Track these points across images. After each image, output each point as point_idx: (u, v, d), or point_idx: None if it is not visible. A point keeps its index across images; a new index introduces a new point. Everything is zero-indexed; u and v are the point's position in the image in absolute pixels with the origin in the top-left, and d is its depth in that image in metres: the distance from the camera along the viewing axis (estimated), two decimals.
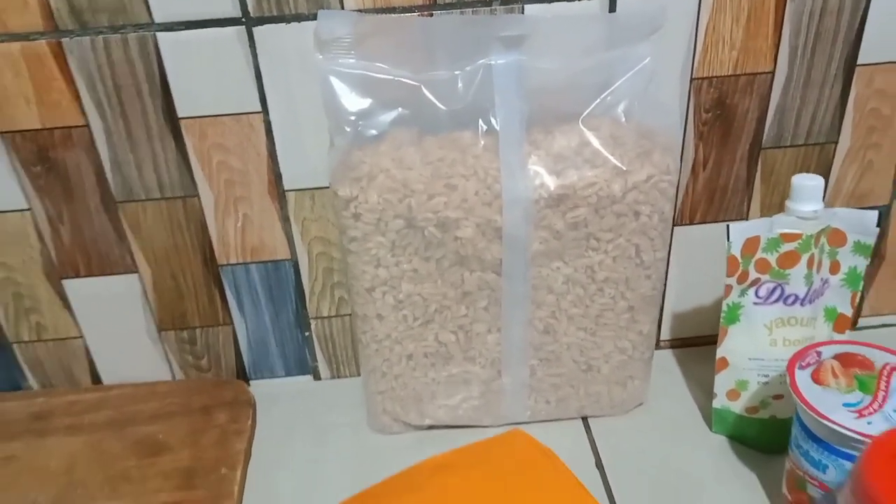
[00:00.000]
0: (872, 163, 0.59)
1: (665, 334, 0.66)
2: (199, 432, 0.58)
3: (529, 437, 0.52)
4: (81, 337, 0.62)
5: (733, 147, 0.57)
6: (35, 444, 0.58)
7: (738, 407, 0.56)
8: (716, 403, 0.57)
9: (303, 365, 0.65)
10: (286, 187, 0.56)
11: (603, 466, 0.56)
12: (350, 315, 0.61)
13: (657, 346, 0.66)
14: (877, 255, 0.64)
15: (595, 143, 0.48)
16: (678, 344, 0.67)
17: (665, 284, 0.64)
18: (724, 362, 0.55)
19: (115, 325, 0.61)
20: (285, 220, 0.57)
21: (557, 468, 0.48)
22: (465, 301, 0.52)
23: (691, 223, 0.61)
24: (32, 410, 0.61)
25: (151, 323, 0.61)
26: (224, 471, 0.55)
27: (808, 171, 0.55)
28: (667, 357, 0.66)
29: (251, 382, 0.65)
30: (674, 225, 0.60)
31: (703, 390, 0.61)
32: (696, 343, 0.66)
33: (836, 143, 0.58)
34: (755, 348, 0.53)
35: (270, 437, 0.60)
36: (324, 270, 0.60)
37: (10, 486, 0.54)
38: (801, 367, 0.48)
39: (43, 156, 0.53)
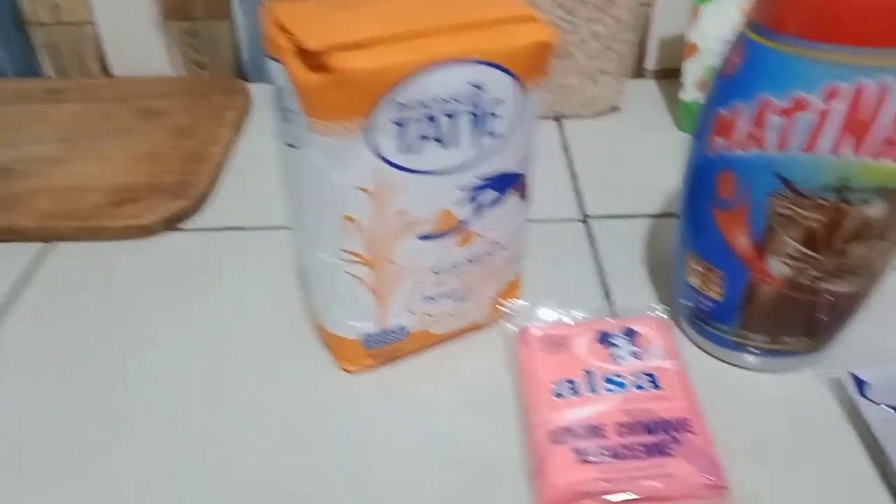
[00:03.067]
0: None
1: (651, 63, 0.68)
2: (198, 106, 0.62)
3: None
4: (94, 24, 0.66)
5: None
6: (49, 107, 0.63)
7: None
8: (683, 95, 0.59)
9: None
10: None
11: (568, 149, 0.59)
12: None
13: (640, 75, 0.68)
14: None
15: None
16: (661, 75, 0.68)
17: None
18: (694, 48, 0.57)
19: (125, 11, 0.65)
20: None
21: None
22: None
23: None
24: (48, 87, 0.66)
25: (158, 10, 0.65)
26: (216, 128, 0.59)
27: None
28: (650, 85, 0.68)
29: (249, 85, 0.69)
30: None
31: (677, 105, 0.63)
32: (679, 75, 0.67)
33: None
34: (727, 28, 0.54)
35: (264, 125, 0.63)
36: None
37: (22, 126, 0.59)
38: None
39: None
